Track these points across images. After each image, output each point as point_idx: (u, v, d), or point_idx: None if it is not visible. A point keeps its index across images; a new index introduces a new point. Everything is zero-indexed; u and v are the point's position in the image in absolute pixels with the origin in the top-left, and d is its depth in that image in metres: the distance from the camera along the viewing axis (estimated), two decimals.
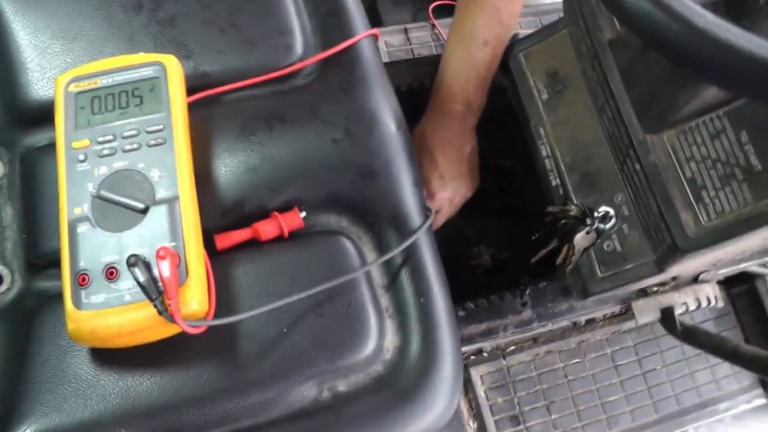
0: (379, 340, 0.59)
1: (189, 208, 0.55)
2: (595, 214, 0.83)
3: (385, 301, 0.62)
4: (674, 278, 0.86)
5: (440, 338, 0.60)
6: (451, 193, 0.89)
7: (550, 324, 0.86)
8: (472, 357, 1.08)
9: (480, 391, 1.04)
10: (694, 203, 0.67)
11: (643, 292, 0.89)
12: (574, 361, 1.10)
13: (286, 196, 0.62)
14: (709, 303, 0.88)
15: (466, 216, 1.10)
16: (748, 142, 0.64)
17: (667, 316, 0.88)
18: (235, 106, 0.65)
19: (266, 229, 0.61)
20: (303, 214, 0.62)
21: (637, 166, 0.71)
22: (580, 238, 0.83)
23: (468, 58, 0.89)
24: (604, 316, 1.12)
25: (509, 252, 1.06)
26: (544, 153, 0.90)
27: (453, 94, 0.89)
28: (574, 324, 1.00)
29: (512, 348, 1.09)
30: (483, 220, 1.10)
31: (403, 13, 1.33)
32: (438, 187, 0.87)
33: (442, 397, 0.59)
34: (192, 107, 0.63)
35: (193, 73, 0.65)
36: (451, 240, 1.07)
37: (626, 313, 1.14)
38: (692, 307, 0.88)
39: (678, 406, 1.09)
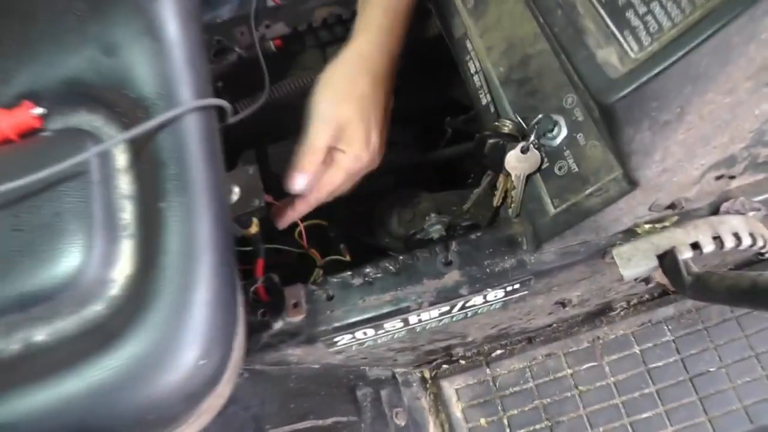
0: (103, 266, 0.40)
1: None
2: (532, 123, 0.58)
3: (127, 215, 0.42)
4: (672, 206, 0.59)
5: (195, 269, 0.39)
6: (367, 155, 0.67)
7: (490, 291, 0.60)
8: (444, 366, 0.82)
9: (455, 409, 0.78)
10: (617, 33, 0.42)
11: (631, 235, 0.61)
12: (586, 365, 0.81)
13: (18, 89, 0.46)
14: (740, 242, 0.59)
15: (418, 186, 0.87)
16: None
17: (668, 264, 0.59)
18: None
19: None
20: (40, 110, 0.45)
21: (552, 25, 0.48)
22: (515, 160, 0.59)
23: None
24: (629, 302, 0.82)
25: (475, 220, 0.81)
26: (472, 69, 0.68)
27: (375, 23, 0.70)
28: (562, 304, 0.72)
29: (499, 352, 0.82)
30: (441, 192, 0.86)
31: None
32: (348, 142, 0.65)
33: (191, 350, 0.38)
34: None
35: None
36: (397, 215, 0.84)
37: (662, 296, 0.83)
38: (708, 248, 0.59)
39: (752, 424, 0.75)
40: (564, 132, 0.59)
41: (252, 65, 0.78)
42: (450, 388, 0.80)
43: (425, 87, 0.93)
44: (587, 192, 0.57)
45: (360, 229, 0.93)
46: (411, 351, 0.75)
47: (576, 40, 0.44)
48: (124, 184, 0.44)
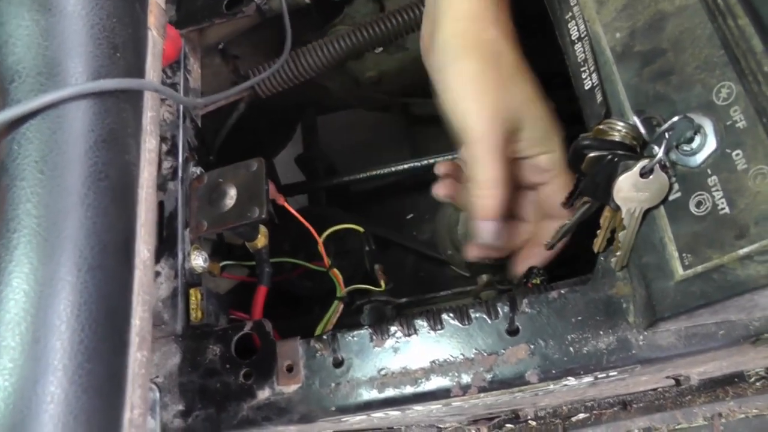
0: None
1: None
2: (660, 128, 0.36)
3: None
4: None
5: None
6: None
7: (571, 380, 0.40)
8: (508, 425, 0.62)
9: None
10: None
11: None
12: None
13: None
14: None
15: None
16: None
17: None
18: None
19: None
20: None
21: None
22: (631, 188, 0.38)
23: None
24: None
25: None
26: (574, 33, 0.46)
27: None
28: (676, 381, 0.50)
29: (581, 416, 0.62)
30: None
31: None
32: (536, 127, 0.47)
33: None
34: None
35: None
36: None
37: None
38: None
39: None
40: (711, 144, 0.37)
41: (277, 20, 0.59)
42: None
43: None
44: (744, 252, 0.35)
45: (417, 237, 0.74)
46: (460, 415, 0.56)
47: None
48: None
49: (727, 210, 0.36)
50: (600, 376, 0.41)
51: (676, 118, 0.36)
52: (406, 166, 0.75)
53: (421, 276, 0.74)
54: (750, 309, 0.37)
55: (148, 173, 0.34)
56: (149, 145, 0.34)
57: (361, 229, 0.61)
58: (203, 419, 0.45)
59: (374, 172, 0.77)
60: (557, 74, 0.67)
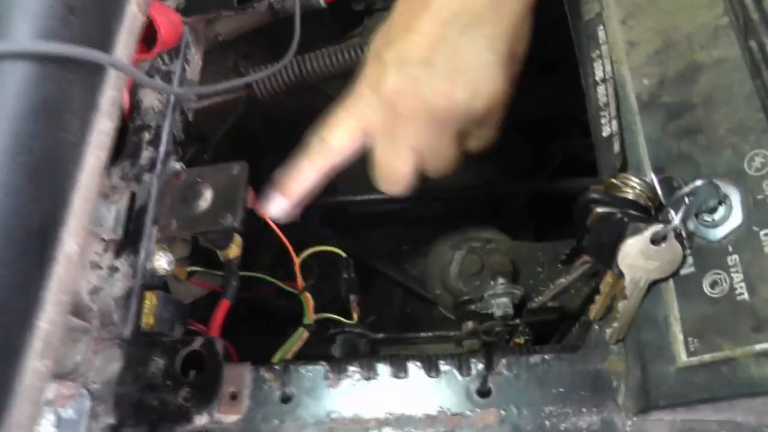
0: None
1: None
2: (681, 191, 0.32)
3: None
4: None
5: None
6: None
7: None
8: None
9: None
10: None
11: None
12: None
13: None
14: None
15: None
16: None
17: None
18: None
19: None
20: None
21: None
22: (639, 255, 0.33)
23: None
24: None
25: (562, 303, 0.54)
26: (598, 73, 0.41)
27: None
28: None
29: None
30: (531, 245, 0.60)
31: None
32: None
33: None
34: None
35: None
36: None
37: None
38: None
39: None
40: (736, 218, 0.33)
41: (289, 21, 0.56)
42: None
43: (531, 89, 0.66)
44: (760, 348, 0.30)
45: (408, 271, 0.69)
46: None
47: None
48: None
49: (746, 296, 0.31)
50: None
51: (699, 183, 0.32)
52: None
53: (406, 312, 0.69)
54: (761, 412, 0.32)
55: (96, 158, 0.30)
56: (102, 127, 0.31)
57: (343, 253, 0.57)
58: None
59: (373, 197, 0.72)
60: (575, 118, 0.64)
